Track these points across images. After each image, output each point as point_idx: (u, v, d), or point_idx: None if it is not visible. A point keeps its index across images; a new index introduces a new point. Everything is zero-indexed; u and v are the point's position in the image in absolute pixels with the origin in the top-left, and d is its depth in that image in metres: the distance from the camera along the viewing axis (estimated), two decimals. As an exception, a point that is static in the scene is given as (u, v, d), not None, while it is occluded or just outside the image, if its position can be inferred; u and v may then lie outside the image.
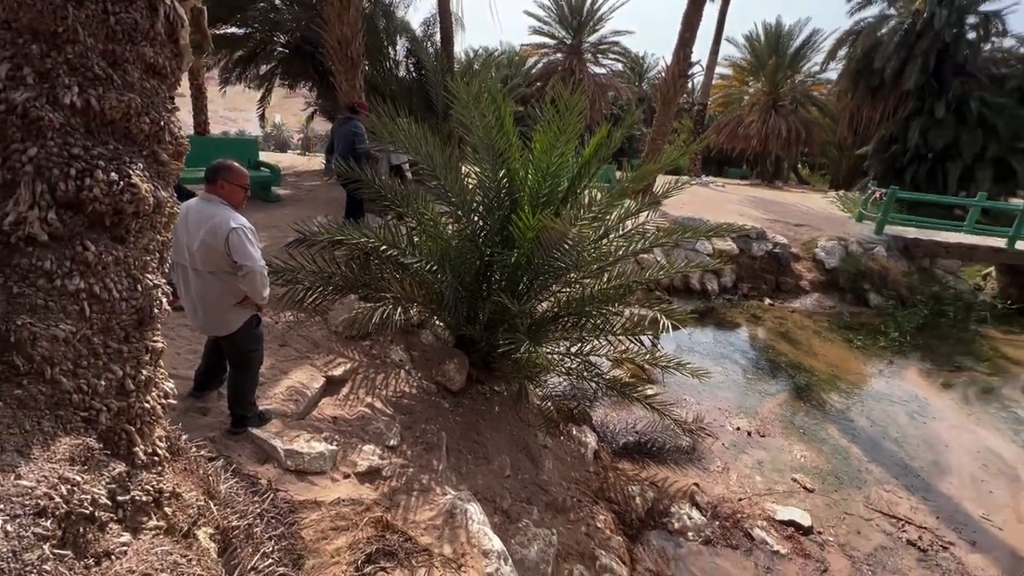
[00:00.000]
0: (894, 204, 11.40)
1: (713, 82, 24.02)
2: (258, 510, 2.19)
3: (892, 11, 19.05)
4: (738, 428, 5.38)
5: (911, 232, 10.98)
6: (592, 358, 4.71)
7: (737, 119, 24.18)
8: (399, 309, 3.87)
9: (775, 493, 4.45)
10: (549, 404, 4.79)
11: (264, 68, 10.34)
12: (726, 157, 29.36)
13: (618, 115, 30.06)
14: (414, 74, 10.20)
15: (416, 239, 4.43)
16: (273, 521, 2.22)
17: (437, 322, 4.97)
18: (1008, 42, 18.51)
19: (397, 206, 4.54)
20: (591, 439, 4.47)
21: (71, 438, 1.33)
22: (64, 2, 1.32)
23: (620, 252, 4.42)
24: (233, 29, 10.06)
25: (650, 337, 4.80)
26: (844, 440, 5.35)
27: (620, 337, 4.55)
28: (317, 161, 13.22)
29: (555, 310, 4.55)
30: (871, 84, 18.51)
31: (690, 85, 29.00)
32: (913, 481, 4.80)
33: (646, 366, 5.27)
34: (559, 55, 24.31)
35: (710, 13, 19.83)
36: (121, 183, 1.42)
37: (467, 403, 4.13)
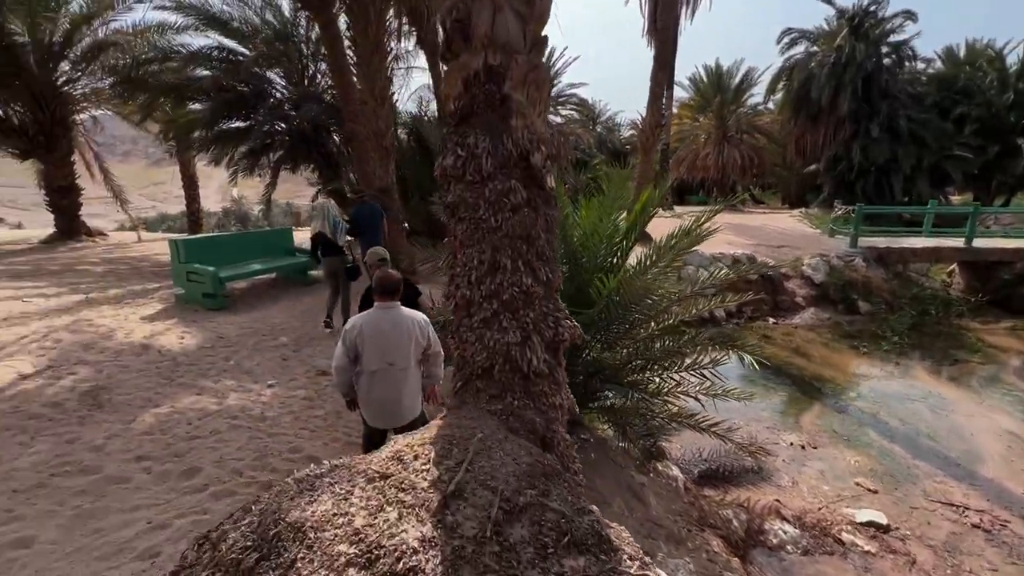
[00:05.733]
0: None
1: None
2: None
3: (816, 48, 21.44)
4: (791, 443, 5.85)
5: (882, 242, 12.13)
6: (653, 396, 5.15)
7: (694, 152, 26.06)
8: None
9: (845, 498, 4.89)
10: (630, 444, 5.13)
11: (274, 156, 10.81)
12: (686, 186, 31.28)
13: (581, 159, 31.76)
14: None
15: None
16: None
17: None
18: (920, 65, 21.22)
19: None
20: (677, 471, 4.83)
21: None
22: (531, 214, 2.48)
23: (688, 292, 4.96)
24: (238, 123, 10.59)
25: (709, 370, 5.31)
26: (885, 441, 5.89)
27: (683, 373, 5.04)
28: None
29: (627, 357, 5.00)
30: (811, 112, 20.53)
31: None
32: (956, 470, 5.34)
33: (700, 397, 5.75)
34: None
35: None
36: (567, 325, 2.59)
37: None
